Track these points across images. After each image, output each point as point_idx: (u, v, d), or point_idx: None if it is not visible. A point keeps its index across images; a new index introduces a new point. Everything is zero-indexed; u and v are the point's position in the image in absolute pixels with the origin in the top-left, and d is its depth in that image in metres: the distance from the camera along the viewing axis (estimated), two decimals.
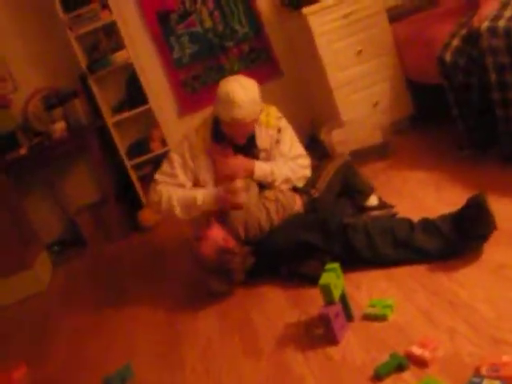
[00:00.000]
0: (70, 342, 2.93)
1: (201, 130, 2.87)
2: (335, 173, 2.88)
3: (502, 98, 2.82)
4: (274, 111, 2.92)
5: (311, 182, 2.87)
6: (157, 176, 2.89)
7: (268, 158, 2.88)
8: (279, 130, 2.88)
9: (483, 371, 1.59)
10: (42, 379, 2.65)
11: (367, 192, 2.91)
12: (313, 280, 2.32)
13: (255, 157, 2.86)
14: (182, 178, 2.83)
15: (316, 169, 2.95)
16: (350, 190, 2.89)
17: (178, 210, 2.79)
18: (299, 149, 2.96)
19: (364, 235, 2.38)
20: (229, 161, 2.78)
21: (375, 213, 2.82)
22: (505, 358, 1.61)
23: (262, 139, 2.86)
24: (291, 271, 2.55)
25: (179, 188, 2.82)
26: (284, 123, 2.93)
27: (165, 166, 2.89)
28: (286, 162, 2.86)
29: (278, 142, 2.87)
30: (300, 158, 2.93)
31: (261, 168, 2.80)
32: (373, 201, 2.91)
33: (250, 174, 2.79)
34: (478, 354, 1.68)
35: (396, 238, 2.33)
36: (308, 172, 2.92)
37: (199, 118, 3.79)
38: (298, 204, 2.79)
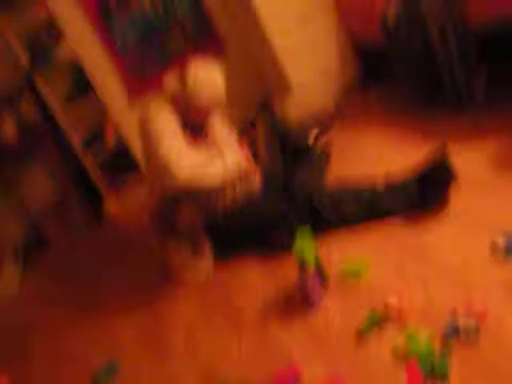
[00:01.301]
0: (51, 341, 2.89)
1: (161, 117, 2.73)
2: (268, 135, 2.97)
3: (445, 52, 2.89)
4: None
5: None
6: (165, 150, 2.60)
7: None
8: None
9: (458, 313, 1.68)
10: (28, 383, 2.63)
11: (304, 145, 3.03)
12: (285, 249, 2.38)
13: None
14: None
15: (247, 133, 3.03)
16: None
17: (211, 172, 2.64)
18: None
19: (330, 200, 2.44)
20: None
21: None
22: (475, 298, 1.70)
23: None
24: (263, 243, 2.59)
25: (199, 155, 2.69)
26: None
27: (164, 140, 2.61)
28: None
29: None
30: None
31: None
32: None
33: None
34: (451, 299, 1.76)
35: (362, 202, 2.40)
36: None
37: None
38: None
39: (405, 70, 3.23)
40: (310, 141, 3.08)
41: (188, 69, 2.70)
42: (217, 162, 2.68)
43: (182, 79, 2.70)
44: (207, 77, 2.67)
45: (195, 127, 2.83)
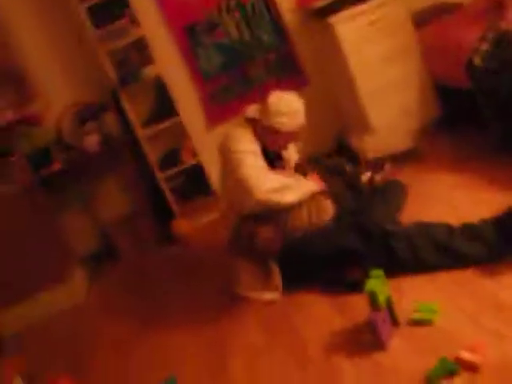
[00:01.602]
0: (112, 354, 2.95)
1: (244, 135, 2.83)
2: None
3: None
4: None
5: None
6: (248, 169, 2.67)
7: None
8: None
9: None
10: None
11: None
12: (355, 287, 2.35)
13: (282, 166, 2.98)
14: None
15: None
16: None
17: (290, 196, 2.68)
18: None
19: (406, 244, 2.40)
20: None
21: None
22: None
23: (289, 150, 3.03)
24: (334, 278, 2.58)
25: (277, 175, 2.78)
26: None
27: (250, 166, 2.68)
28: None
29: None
30: None
31: None
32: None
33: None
34: None
35: (438, 245, 2.35)
36: None
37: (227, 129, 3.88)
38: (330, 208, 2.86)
39: (490, 116, 3.17)
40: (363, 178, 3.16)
41: (270, 96, 2.79)
42: (294, 186, 2.73)
43: (264, 105, 2.79)
44: (289, 104, 2.77)
45: (272, 156, 2.89)
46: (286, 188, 2.69)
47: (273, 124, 2.75)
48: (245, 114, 2.90)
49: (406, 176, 3.29)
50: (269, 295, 2.73)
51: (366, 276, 2.26)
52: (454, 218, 2.50)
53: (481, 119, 3.27)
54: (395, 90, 3.89)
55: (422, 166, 3.54)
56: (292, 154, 3.09)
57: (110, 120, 4.23)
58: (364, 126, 3.93)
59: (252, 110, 2.87)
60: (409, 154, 3.55)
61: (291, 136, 2.84)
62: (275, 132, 2.78)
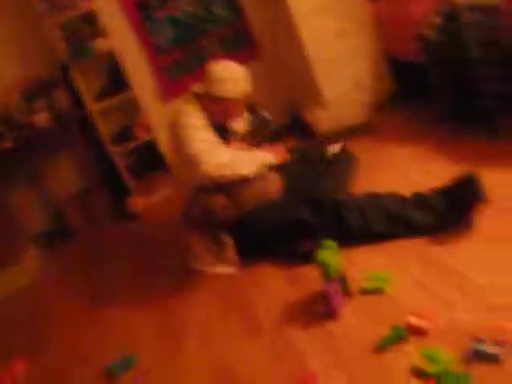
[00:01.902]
0: (68, 332, 2.92)
1: (193, 111, 2.79)
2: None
3: (483, 74, 2.87)
4: None
5: None
6: (198, 144, 2.65)
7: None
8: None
9: (482, 337, 1.65)
10: (43, 371, 2.64)
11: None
12: (308, 258, 2.37)
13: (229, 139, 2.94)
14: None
15: None
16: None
17: (241, 170, 2.68)
18: None
19: (357, 213, 2.43)
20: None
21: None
22: (501, 323, 1.67)
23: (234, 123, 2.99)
24: (287, 250, 2.59)
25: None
26: None
27: (196, 138, 2.67)
28: None
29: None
30: None
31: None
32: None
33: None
34: (474, 321, 1.74)
35: (389, 214, 2.38)
36: None
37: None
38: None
39: (441, 89, 3.21)
40: (335, 151, 3.11)
41: (211, 65, 2.76)
42: (246, 159, 2.73)
43: (206, 75, 2.76)
44: (231, 70, 2.74)
45: (222, 131, 2.86)
46: (238, 161, 2.68)
47: (216, 91, 2.72)
48: (192, 90, 2.86)
49: (359, 149, 3.31)
50: (224, 268, 2.74)
51: (319, 247, 2.29)
52: (407, 189, 2.53)
53: (433, 92, 3.31)
54: (348, 63, 3.90)
55: (376, 139, 3.57)
56: (241, 127, 3.06)
57: (60, 95, 4.13)
58: (317, 100, 3.93)
59: (198, 86, 2.84)
60: (362, 127, 3.57)
61: (237, 104, 2.80)
62: (220, 100, 2.74)
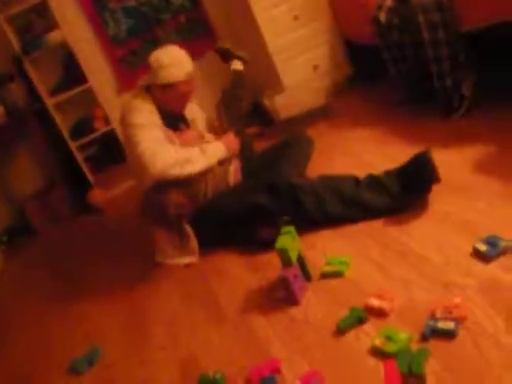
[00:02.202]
0: (32, 328, 2.89)
1: (141, 105, 2.74)
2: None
3: (435, 55, 2.91)
4: None
5: None
6: (143, 144, 2.61)
7: (194, 126, 2.98)
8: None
9: (437, 314, 1.68)
10: (6, 370, 2.61)
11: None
12: (268, 245, 2.38)
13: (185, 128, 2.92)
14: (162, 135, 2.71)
15: None
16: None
17: (191, 168, 2.64)
18: None
19: (313, 197, 2.45)
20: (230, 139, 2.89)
21: None
22: (456, 300, 1.71)
23: (189, 110, 2.97)
24: (247, 237, 2.59)
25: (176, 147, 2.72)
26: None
27: (145, 138, 2.63)
28: None
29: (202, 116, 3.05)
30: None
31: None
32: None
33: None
34: (431, 300, 1.77)
35: (344, 197, 2.41)
36: None
37: None
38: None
39: (395, 71, 3.25)
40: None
41: (150, 56, 2.74)
42: (195, 157, 2.68)
43: (149, 67, 2.74)
44: (170, 55, 2.70)
45: (175, 119, 2.84)
46: (186, 161, 2.63)
47: (161, 80, 2.70)
48: (139, 83, 2.83)
49: (316, 132, 3.33)
50: (186, 259, 2.73)
51: (279, 233, 2.30)
52: (364, 172, 2.56)
53: (389, 75, 3.35)
54: (305, 48, 3.92)
55: (333, 123, 3.60)
56: (196, 112, 3.05)
57: (15, 90, 4.05)
58: (276, 86, 3.94)
59: (144, 78, 2.81)
60: (320, 111, 3.59)
61: (185, 88, 2.76)
62: (168, 88, 2.72)
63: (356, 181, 2.47)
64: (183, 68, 2.71)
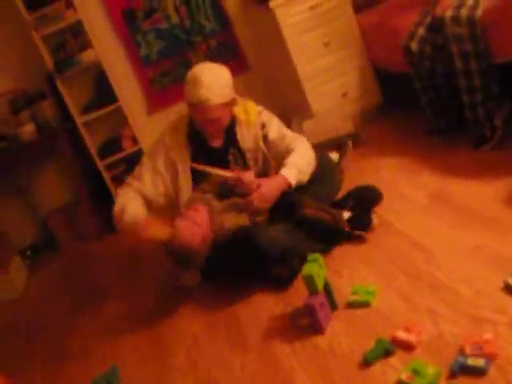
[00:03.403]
0: (51, 347, 2.87)
1: (175, 131, 2.72)
2: None
3: (467, 85, 2.88)
4: (252, 106, 2.77)
5: None
6: (128, 179, 2.80)
7: (254, 159, 2.74)
8: (263, 126, 2.73)
9: (467, 350, 1.64)
10: None
11: None
12: (283, 283, 2.39)
13: (238, 158, 2.72)
14: (148, 182, 2.68)
15: None
16: None
17: (125, 218, 2.63)
18: (290, 133, 2.84)
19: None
20: (264, 190, 2.53)
21: None
22: (486, 336, 1.67)
23: (245, 139, 2.70)
24: (260, 277, 2.51)
25: (139, 197, 2.69)
26: (266, 116, 2.78)
27: (136, 169, 2.77)
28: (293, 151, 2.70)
29: (265, 137, 2.73)
30: (297, 141, 2.78)
31: (291, 174, 2.60)
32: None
33: (286, 189, 2.60)
34: (460, 334, 1.73)
35: None
36: (311, 151, 2.76)
37: (169, 115, 3.81)
38: None
39: (429, 102, 3.23)
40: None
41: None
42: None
43: None
44: (193, 72, 2.52)
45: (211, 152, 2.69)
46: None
47: (186, 99, 2.56)
48: None
49: (344, 162, 3.32)
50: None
51: (293, 272, 2.34)
52: (394, 200, 2.54)
53: (419, 104, 3.33)
54: (335, 75, 3.91)
55: (362, 151, 3.58)
56: (250, 139, 2.72)
57: (46, 107, 4.10)
58: (305, 111, 3.94)
59: None
60: (350, 138, 3.57)
61: (198, 114, 2.55)
62: (189, 106, 2.57)
63: None
64: (195, 92, 2.47)
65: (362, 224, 2.51)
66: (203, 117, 2.55)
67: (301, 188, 2.65)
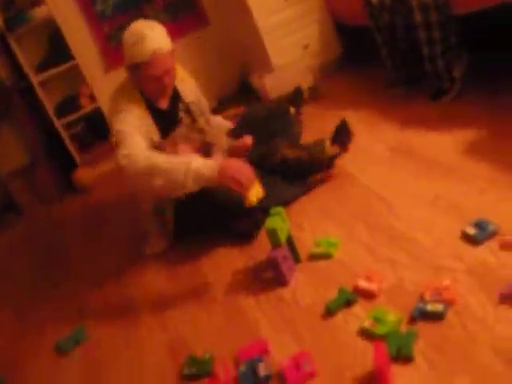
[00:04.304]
0: (16, 310, 2.85)
1: (131, 98, 2.49)
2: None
3: (427, 37, 2.88)
4: (185, 73, 2.78)
5: None
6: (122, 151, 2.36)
7: (200, 111, 2.73)
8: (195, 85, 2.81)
9: (427, 296, 1.69)
10: None
11: None
12: (244, 237, 2.41)
13: (186, 114, 2.68)
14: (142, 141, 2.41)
15: None
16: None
17: (158, 181, 2.21)
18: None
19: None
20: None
21: None
22: (445, 283, 1.71)
23: (187, 92, 2.69)
24: (222, 230, 2.54)
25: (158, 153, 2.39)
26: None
27: (125, 144, 2.36)
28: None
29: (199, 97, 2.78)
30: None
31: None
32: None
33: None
34: (420, 282, 1.77)
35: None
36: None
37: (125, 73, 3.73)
38: None
39: (388, 54, 3.23)
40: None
41: (124, 33, 2.44)
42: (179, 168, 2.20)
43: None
44: (134, 32, 2.38)
45: (164, 113, 2.59)
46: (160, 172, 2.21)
47: (129, 60, 2.40)
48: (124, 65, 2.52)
49: (305, 114, 3.31)
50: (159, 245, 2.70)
51: (256, 226, 2.37)
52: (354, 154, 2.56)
53: (380, 57, 3.32)
54: (295, 28, 3.88)
55: (322, 104, 3.57)
56: (191, 93, 2.73)
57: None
58: (265, 65, 3.90)
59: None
60: (309, 92, 3.56)
61: (152, 70, 2.39)
62: (138, 69, 2.40)
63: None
64: (147, 46, 2.34)
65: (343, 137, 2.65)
66: (159, 69, 2.40)
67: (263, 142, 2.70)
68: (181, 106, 2.68)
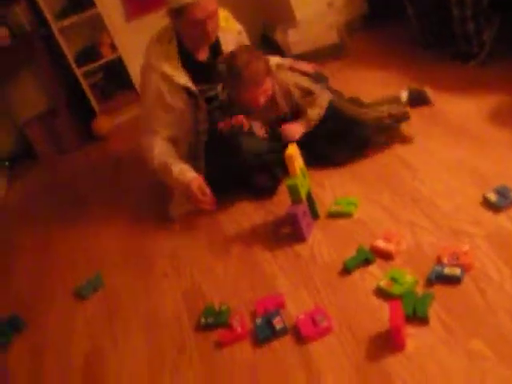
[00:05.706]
0: (34, 256, 2.87)
1: (165, 53, 2.45)
2: None
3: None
4: (229, 15, 2.67)
5: None
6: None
7: None
8: (240, 33, 2.68)
9: (444, 260, 1.70)
10: (11, 296, 2.59)
11: None
12: (263, 192, 2.42)
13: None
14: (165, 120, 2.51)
15: None
16: None
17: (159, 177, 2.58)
18: None
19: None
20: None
21: None
22: (464, 247, 1.72)
23: (228, 44, 2.58)
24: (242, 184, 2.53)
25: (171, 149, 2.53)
26: (239, 26, 2.73)
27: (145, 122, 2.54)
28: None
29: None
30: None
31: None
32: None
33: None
34: (438, 245, 1.78)
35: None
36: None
37: (148, 22, 3.66)
38: None
39: (416, 14, 3.16)
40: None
41: None
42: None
43: None
44: None
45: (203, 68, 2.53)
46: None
47: (169, 4, 2.33)
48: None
49: (328, 72, 3.25)
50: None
51: (276, 181, 2.37)
52: None
53: (406, 16, 3.26)
54: None
55: (346, 63, 3.52)
56: (232, 45, 2.59)
57: (19, 12, 3.92)
58: (288, 19, 3.83)
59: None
60: (333, 49, 3.49)
61: (198, 14, 2.31)
62: (182, 14, 2.32)
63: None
64: None
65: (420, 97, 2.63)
66: (203, 13, 2.31)
67: None
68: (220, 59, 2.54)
